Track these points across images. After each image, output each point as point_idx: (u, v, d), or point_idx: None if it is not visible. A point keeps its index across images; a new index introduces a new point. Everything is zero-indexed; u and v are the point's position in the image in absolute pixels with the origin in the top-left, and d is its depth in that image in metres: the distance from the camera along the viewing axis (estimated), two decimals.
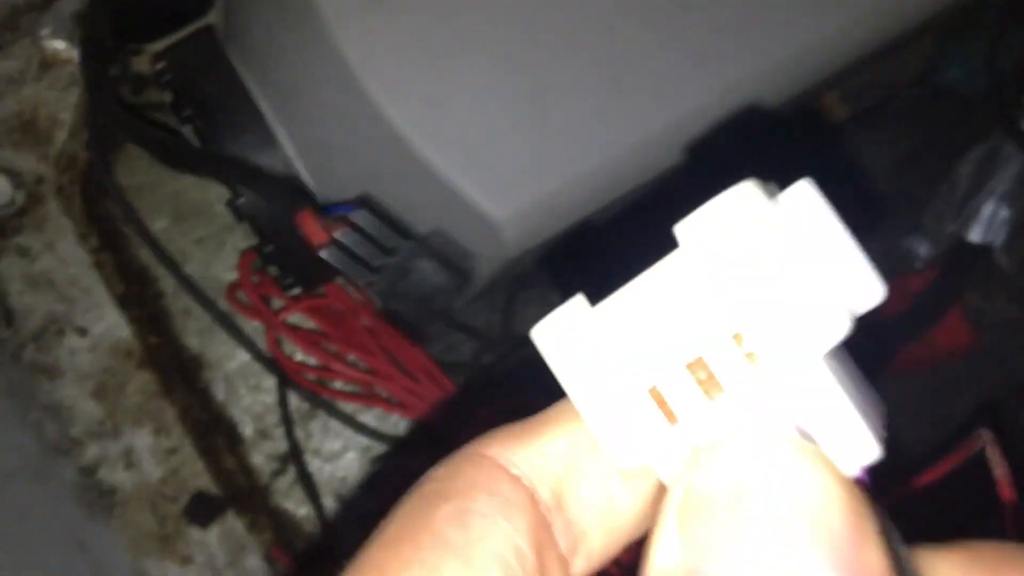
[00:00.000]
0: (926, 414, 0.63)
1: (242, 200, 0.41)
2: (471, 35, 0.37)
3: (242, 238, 0.56)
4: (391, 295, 0.37)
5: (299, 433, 0.56)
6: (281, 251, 0.42)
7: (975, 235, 0.59)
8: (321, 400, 0.55)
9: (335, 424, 0.57)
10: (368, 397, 0.53)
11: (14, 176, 0.54)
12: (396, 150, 0.37)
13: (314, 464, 0.56)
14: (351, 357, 0.52)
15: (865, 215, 0.63)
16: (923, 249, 0.62)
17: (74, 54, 0.55)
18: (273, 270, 0.44)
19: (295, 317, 0.53)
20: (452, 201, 0.38)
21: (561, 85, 0.38)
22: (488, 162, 0.38)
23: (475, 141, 0.37)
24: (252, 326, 0.55)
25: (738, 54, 0.39)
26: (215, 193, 0.56)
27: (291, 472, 0.56)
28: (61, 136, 0.55)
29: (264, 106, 0.41)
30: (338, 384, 0.54)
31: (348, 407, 0.56)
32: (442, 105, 0.37)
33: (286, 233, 0.40)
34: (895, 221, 0.63)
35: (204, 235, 0.56)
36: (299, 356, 0.54)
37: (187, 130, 0.41)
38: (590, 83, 0.38)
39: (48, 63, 0.55)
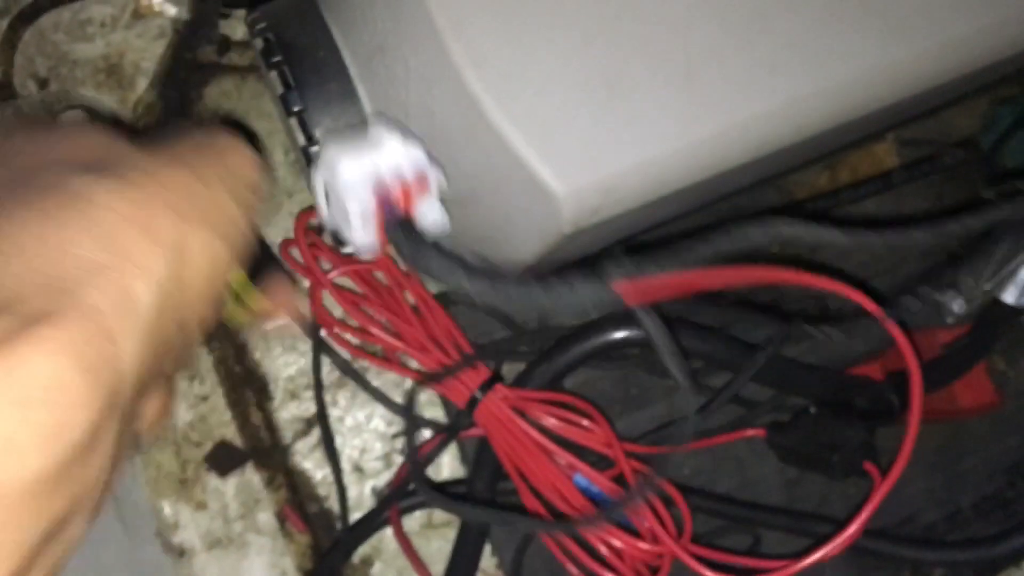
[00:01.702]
0: (941, 467, 0.63)
1: (316, 147, 0.43)
2: (556, 15, 0.39)
3: (298, 204, 0.58)
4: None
5: (327, 399, 0.57)
6: None
7: (1009, 296, 0.59)
8: (352, 371, 0.56)
9: (362, 396, 0.58)
10: (401, 366, 0.54)
11: (93, 115, 0.56)
12: (470, 115, 0.39)
13: (337, 431, 0.57)
14: (388, 324, 0.53)
15: (903, 265, 0.64)
16: (956, 305, 0.63)
17: (166, 8, 0.58)
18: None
19: (341, 280, 0.54)
20: (516, 171, 0.40)
21: (636, 73, 0.40)
22: (556, 137, 0.39)
23: (547, 116, 0.39)
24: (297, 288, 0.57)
25: (810, 67, 0.41)
26: (279, 158, 0.58)
27: (314, 436, 0.57)
28: (142, 83, 0.57)
29: (349, 61, 0.43)
30: (372, 349, 0.55)
31: (378, 380, 0.57)
32: (520, 76, 0.39)
33: None
34: (931, 274, 0.64)
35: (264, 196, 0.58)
36: (339, 315, 0.55)
37: (273, 75, 0.43)
38: (663, 75, 0.40)
39: (141, 13, 0.58)
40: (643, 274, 0.37)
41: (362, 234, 0.39)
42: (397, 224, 0.38)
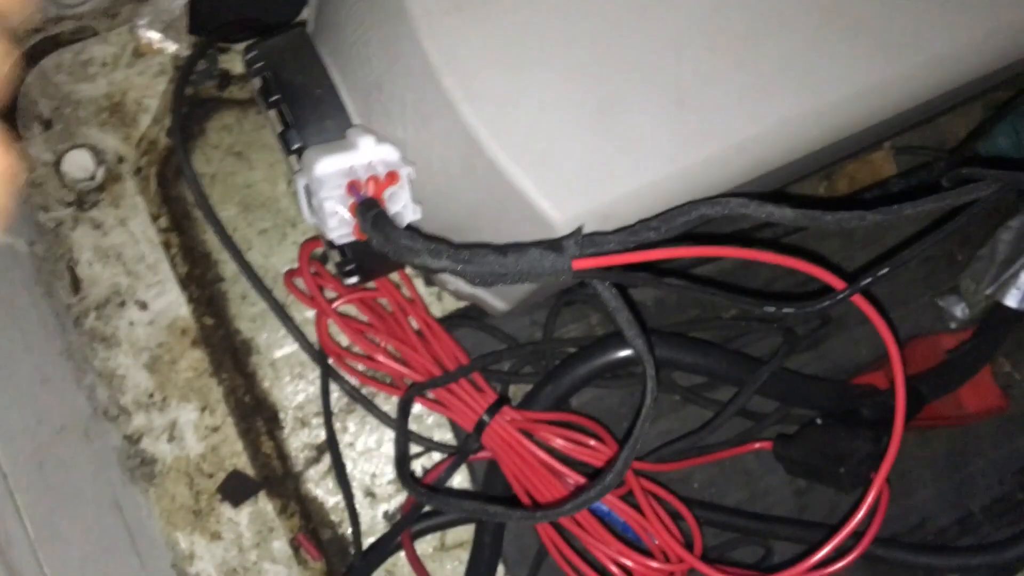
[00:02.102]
0: (949, 472, 0.64)
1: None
2: (547, 46, 0.40)
3: (302, 234, 0.59)
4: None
5: (337, 426, 0.58)
6: None
7: (1012, 300, 0.60)
8: (360, 396, 0.57)
9: (371, 421, 0.58)
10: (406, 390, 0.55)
11: (97, 153, 0.57)
12: (466, 146, 0.40)
13: (347, 458, 0.58)
14: (394, 351, 0.54)
15: (904, 271, 0.64)
16: (958, 310, 0.63)
17: (166, 45, 0.59)
18: (335, 255, 0.47)
19: (345, 308, 0.55)
20: (513, 200, 0.40)
21: (628, 102, 0.40)
22: (552, 166, 0.40)
23: (541, 145, 0.40)
24: (302, 318, 0.58)
25: (801, 89, 0.41)
26: (282, 189, 0.59)
27: (325, 462, 0.58)
28: (145, 120, 0.58)
29: (347, 98, 0.44)
30: (379, 376, 0.56)
31: (386, 406, 0.58)
32: (514, 108, 0.39)
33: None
34: (933, 280, 0.64)
35: (268, 227, 0.59)
36: (345, 344, 0.56)
37: (272, 114, 0.44)
38: (655, 102, 0.40)
39: (141, 52, 0.58)
40: (599, 247, 0.37)
41: (336, 223, 0.40)
42: (366, 208, 0.39)
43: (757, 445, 0.58)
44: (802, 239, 0.61)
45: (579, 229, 0.39)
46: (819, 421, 0.57)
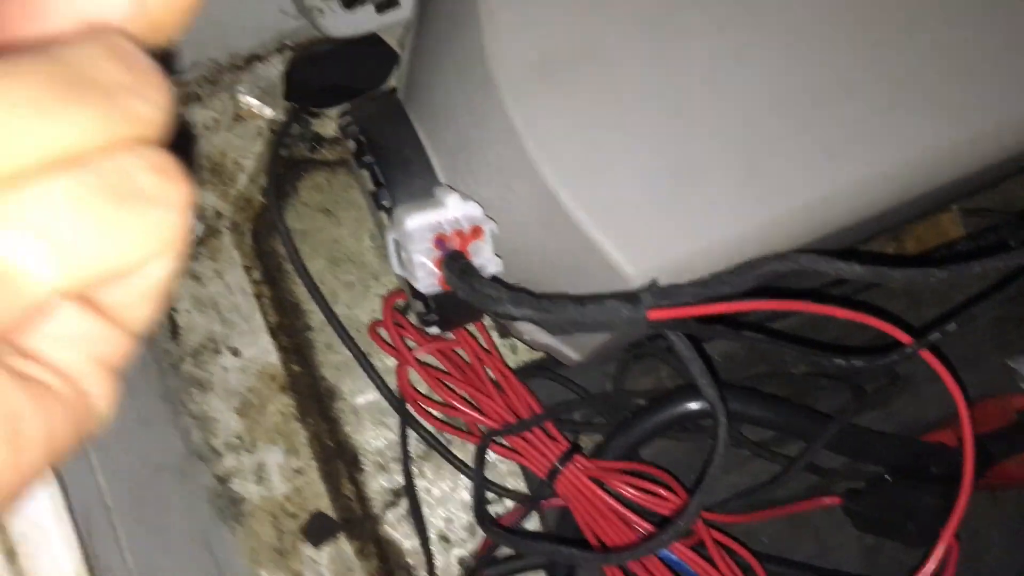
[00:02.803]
0: (1020, 533, 0.63)
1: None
2: (624, 113, 0.42)
3: (384, 286, 0.62)
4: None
5: (414, 471, 0.60)
6: None
7: None
8: (437, 442, 0.59)
9: (447, 468, 0.61)
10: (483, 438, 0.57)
11: (198, 209, 0.61)
12: (546, 205, 0.43)
13: (424, 502, 0.60)
14: (471, 399, 0.56)
15: (974, 333, 0.65)
16: None
17: (263, 111, 0.63)
18: (417, 305, 0.49)
19: (425, 357, 0.57)
20: (590, 255, 0.43)
21: (700, 163, 0.43)
22: (628, 224, 0.42)
23: (618, 204, 0.42)
24: (384, 367, 0.61)
25: (869, 152, 0.43)
26: (367, 244, 0.62)
27: (403, 506, 0.60)
28: (242, 180, 0.62)
29: (434, 158, 0.47)
30: (456, 423, 0.58)
31: (461, 453, 0.60)
32: (593, 170, 0.42)
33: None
34: (1003, 341, 0.65)
35: (353, 280, 0.62)
36: (424, 391, 0.58)
37: (364, 173, 0.47)
38: (726, 164, 0.43)
39: (240, 116, 0.63)
40: (673, 299, 0.39)
41: (424, 274, 0.43)
42: (453, 260, 0.42)
43: (827, 500, 0.58)
44: (870, 297, 0.63)
45: (654, 281, 0.41)
46: (888, 477, 0.58)
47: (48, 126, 0.14)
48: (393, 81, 0.60)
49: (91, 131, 0.14)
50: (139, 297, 0.17)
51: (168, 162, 0.16)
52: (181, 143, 0.62)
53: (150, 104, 0.15)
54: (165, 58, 0.16)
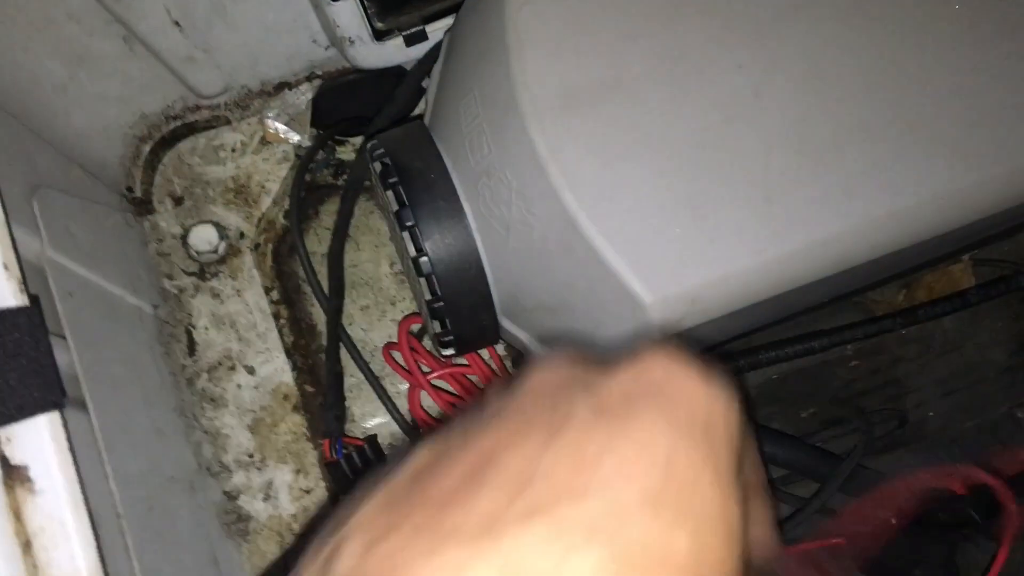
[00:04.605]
0: None
1: (425, 258, 0.47)
2: (645, 144, 0.44)
3: (400, 312, 0.63)
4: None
5: None
6: (449, 307, 0.48)
7: None
8: None
9: None
10: None
11: (221, 229, 0.62)
12: (566, 229, 0.43)
13: None
14: None
15: (982, 384, 0.65)
16: None
17: (290, 136, 0.64)
18: (435, 326, 0.50)
19: (437, 382, 0.58)
20: (608, 281, 0.43)
21: (718, 196, 0.44)
22: (645, 251, 0.43)
23: (637, 231, 0.43)
24: (395, 391, 0.61)
25: (883, 192, 0.44)
26: (384, 270, 0.63)
27: None
28: (266, 202, 0.63)
29: (457, 182, 0.48)
30: None
31: None
32: (613, 197, 0.43)
33: (461, 290, 0.46)
34: (1012, 391, 0.65)
35: (369, 304, 0.63)
36: (436, 414, 0.59)
37: (389, 195, 0.48)
38: (744, 197, 0.44)
39: (267, 140, 0.64)
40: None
41: None
42: None
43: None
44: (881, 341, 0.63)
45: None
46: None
47: None
48: (419, 108, 0.61)
49: None
50: None
51: None
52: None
53: None
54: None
